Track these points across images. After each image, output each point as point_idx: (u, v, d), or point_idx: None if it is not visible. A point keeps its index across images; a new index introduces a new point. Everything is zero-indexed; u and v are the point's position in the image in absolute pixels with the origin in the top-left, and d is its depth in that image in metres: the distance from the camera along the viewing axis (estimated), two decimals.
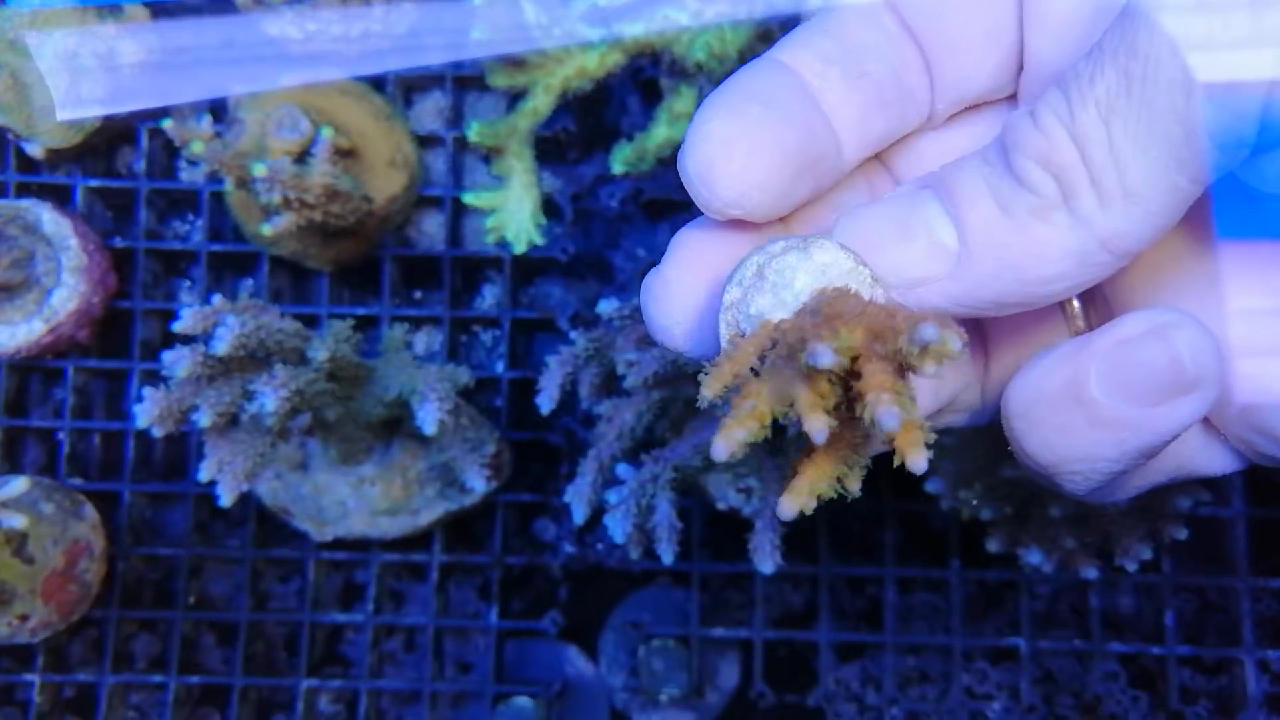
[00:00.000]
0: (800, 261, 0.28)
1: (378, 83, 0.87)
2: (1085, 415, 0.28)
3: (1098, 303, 0.33)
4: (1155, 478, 0.32)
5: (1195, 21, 0.24)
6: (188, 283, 0.92)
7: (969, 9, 0.32)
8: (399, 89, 0.88)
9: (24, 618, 0.76)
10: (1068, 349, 0.29)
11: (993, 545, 0.75)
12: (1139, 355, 0.27)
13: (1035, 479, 0.31)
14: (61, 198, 0.88)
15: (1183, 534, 0.72)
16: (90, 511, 0.82)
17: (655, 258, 0.89)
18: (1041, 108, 0.27)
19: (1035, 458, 0.30)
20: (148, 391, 0.63)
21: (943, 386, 0.33)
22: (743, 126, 0.29)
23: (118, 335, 0.90)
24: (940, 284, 0.28)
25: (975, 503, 0.73)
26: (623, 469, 0.67)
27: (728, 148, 0.28)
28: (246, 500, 0.86)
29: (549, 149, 0.88)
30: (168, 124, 0.70)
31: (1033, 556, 0.73)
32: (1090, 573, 0.74)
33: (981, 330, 0.34)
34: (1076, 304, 0.33)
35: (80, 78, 0.83)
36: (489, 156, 0.86)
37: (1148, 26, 0.25)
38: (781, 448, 0.69)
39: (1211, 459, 0.32)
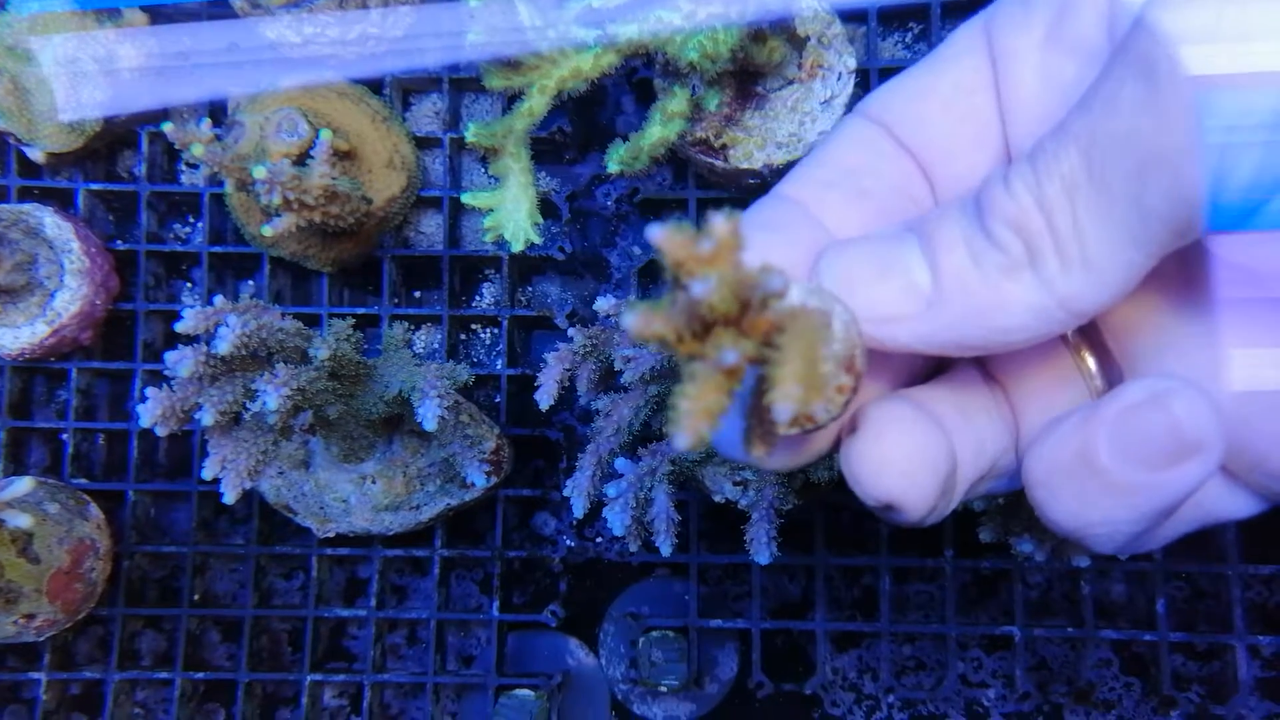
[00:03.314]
0: None
1: (375, 85, 0.87)
2: (1099, 482, 0.29)
3: (1110, 362, 0.35)
4: (1182, 527, 0.34)
5: (1149, 115, 0.26)
6: (189, 284, 0.93)
7: (954, 120, 0.34)
8: (396, 91, 0.89)
9: (30, 616, 0.77)
10: (1077, 419, 0.30)
11: (985, 535, 0.76)
12: (1141, 423, 0.29)
13: (1066, 539, 0.32)
14: (63, 201, 0.89)
15: None
16: (95, 511, 0.83)
17: (651, 255, 0.90)
18: (1013, 176, 0.29)
19: (1059, 524, 0.31)
20: (151, 391, 0.64)
21: (982, 453, 0.34)
22: (749, 247, 0.31)
23: (121, 337, 0.91)
24: (910, 322, 0.30)
25: None
26: (621, 463, 0.68)
27: None
28: (250, 498, 0.87)
29: (545, 149, 0.89)
30: (168, 127, 0.71)
31: (1025, 545, 0.74)
32: (1082, 561, 0.74)
33: (1008, 395, 0.35)
34: (1092, 363, 0.34)
35: (80, 82, 0.84)
36: (486, 157, 0.87)
37: (1107, 116, 0.27)
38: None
39: (1235, 504, 0.33)
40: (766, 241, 0.32)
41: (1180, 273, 0.31)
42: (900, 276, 0.30)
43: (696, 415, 0.24)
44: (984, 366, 0.36)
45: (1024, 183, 0.28)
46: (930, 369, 0.37)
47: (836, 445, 0.33)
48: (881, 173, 0.34)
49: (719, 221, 0.24)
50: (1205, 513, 0.33)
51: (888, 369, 0.35)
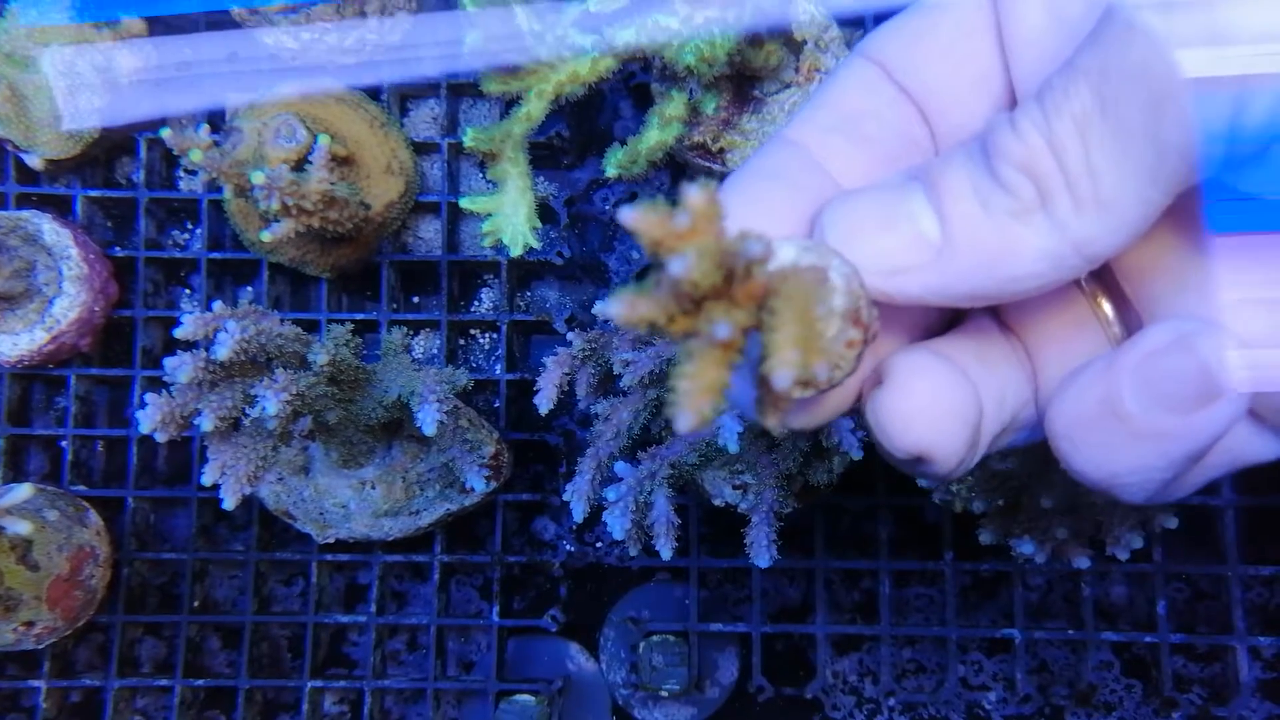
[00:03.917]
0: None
1: (373, 91, 0.88)
2: (1126, 430, 0.29)
3: (1127, 307, 0.34)
4: (1212, 473, 0.33)
5: (1165, 43, 0.25)
6: (188, 291, 0.93)
7: (955, 64, 0.33)
8: (394, 97, 0.89)
9: (30, 624, 0.77)
10: (1099, 366, 0.30)
11: (985, 537, 0.76)
12: (1168, 367, 0.28)
13: (1092, 492, 0.32)
14: (62, 208, 0.89)
15: (1173, 523, 0.73)
16: (94, 518, 0.83)
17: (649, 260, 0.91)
18: (1020, 117, 0.28)
19: (1086, 475, 0.30)
20: (150, 397, 0.64)
21: (1004, 404, 0.33)
22: (753, 197, 0.31)
23: (120, 343, 0.91)
24: (920, 274, 0.29)
25: (967, 495, 0.74)
26: (621, 467, 0.68)
27: (743, 216, 0.29)
28: (249, 504, 0.87)
29: (543, 154, 0.89)
30: (166, 133, 0.71)
31: (1025, 547, 0.74)
32: (1082, 562, 0.74)
33: (1025, 345, 0.35)
34: (1109, 310, 0.34)
35: (78, 89, 0.84)
36: (484, 162, 0.87)
37: (1120, 49, 0.26)
38: (777, 443, 0.70)
39: (1264, 446, 0.33)
40: (769, 190, 0.31)
41: (1196, 210, 0.30)
42: (907, 226, 0.29)
43: (697, 394, 0.23)
44: (999, 317, 0.35)
45: (1032, 122, 0.28)
46: (945, 321, 0.36)
47: (858, 400, 0.33)
48: (884, 117, 0.34)
49: (693, 193, 0.23)
50: (1234, 457, 0.32)
51: (902, 322, 0.34)
